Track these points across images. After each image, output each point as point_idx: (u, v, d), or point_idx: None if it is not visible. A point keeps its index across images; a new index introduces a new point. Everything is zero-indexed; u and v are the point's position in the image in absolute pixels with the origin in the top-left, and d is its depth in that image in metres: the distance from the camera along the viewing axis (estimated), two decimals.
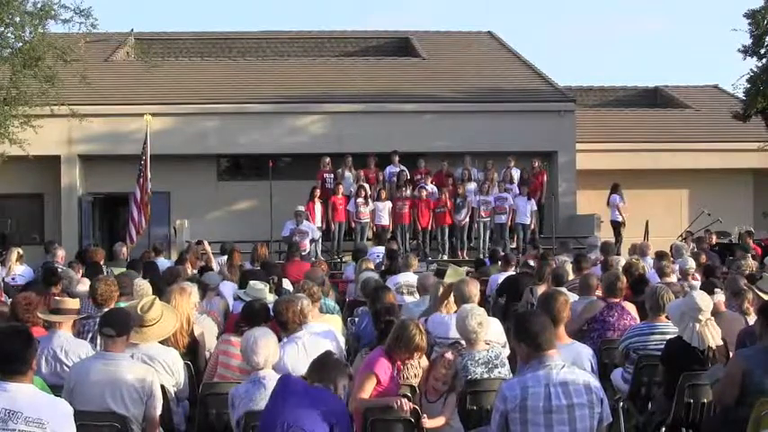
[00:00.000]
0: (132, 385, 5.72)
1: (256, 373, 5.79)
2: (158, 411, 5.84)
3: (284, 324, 6.98)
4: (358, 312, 9.47)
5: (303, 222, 17.82)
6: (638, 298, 8.76)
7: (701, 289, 8.49)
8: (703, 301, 6.74)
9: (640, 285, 9.20)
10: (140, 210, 17.18)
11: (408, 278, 11.22)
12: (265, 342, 5.84)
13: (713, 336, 6.60)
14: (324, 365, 5.32)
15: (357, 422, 5.87)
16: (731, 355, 6.57)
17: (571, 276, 10.75)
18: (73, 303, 6.98)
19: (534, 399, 4.61)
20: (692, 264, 11.66)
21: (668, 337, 7.03)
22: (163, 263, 13.51)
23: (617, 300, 8.54)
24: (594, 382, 4.79)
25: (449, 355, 6.12)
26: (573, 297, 9.48)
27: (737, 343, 7.04)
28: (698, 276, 11.55)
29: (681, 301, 7.11)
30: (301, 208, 18.24)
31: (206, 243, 15.15)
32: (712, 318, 6.73)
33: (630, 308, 8.50)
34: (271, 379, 5.62)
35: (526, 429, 4.61)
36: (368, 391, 5.94)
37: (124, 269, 11.31)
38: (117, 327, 5.88)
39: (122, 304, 7.84)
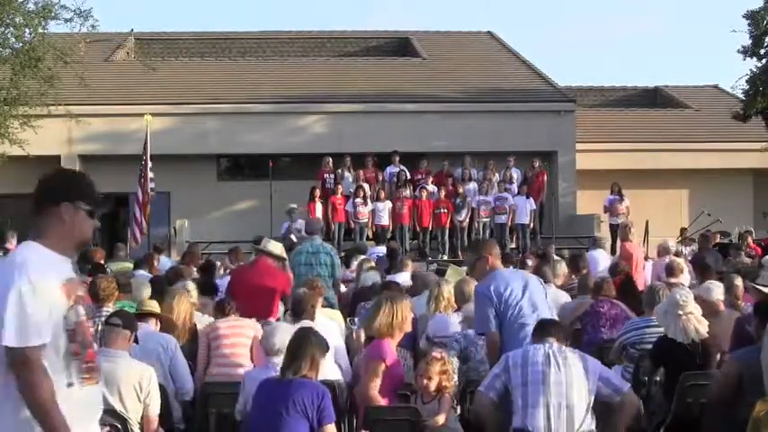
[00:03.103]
0: (131, 383, 5.74)
1: (270, 358, 6.16)
2: (157, 410, 5.86)
3: (299, 313, 7.32)
4: (359, 309, 9.45)
5: (297, 220, 17.81)
6: (627, 299, 8.80)
7: (700, 287, 8.53)
8: (682, 296, 6.83)
9: (627, 286, 9.31)
10: (142, 210, 17.20)
11: (405, 278, 11.26)
12: (282, 332, 6.23)
13: (697, 329, 6.65)
14: (294, 351, 5.41)
15: (360, 416, 6.00)
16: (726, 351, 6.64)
17: (560, 281, 10.67)
18: None
19: (534, 357, 5.23)
20: (672, 244, 11.99)
21: (661, 330, 7.08)
22: (164, 262, 13.54)
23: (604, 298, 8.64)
24: (591, 360, 5.41)
25: (436, 354, 6.15)
26: (565, 297, 9.56)
27: (734, 331, 7.05)
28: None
29: (664, 300, 7.21)
30: (294, 205, 18.21)
31: None
32: (695, 312, 6.76)
33: (620, 304, 8.59)
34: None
35: (525, 380, 5.15)
36: (378, 380, 6.01)
37: (123, 266, 11.38)
38: (123, 319, 5.96)
39: (120, 303, 7.90)
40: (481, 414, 5.43)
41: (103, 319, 6.45)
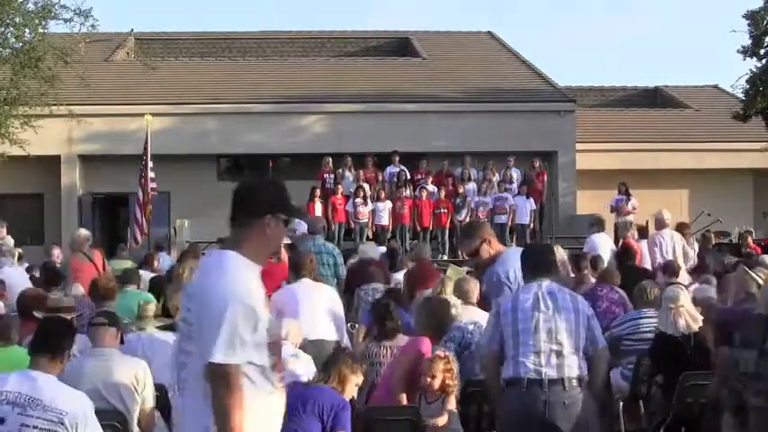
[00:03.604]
0: (128, 379, 5.74)
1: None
2: (152, 402, 5.87)
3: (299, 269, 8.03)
4: (359, 292, 9.45)
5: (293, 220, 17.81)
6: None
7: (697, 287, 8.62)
8: (674, 290, 6.98)
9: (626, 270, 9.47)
10: (142, 210, 17.22)
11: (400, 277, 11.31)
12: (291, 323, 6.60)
13: (688, 322, 6.72)
14: (325, 364, 5.61)
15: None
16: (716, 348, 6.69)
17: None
18: (67, 301, 7.14)
19: (524, 302, 5.09)
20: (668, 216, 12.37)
21: (655, 321, 7.18)
22: (165, 260, 13.60)
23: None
24: (582, 301, 5.30)
25: (440, 352, 6.14)
26: None
27: (716, 324, 7.07)
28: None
29: (658, 295, 7.34)
30: None
31: None
32: (686, 306, 6.83)
33: (620, 290, 8.69)
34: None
35: (516, 329, 5.03)
36: (411, 377, 6.09)
37: (124, 264, 11.62)
38: (109, 317, 6.00)
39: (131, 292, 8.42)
40: (488, 367, 5.39)
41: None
